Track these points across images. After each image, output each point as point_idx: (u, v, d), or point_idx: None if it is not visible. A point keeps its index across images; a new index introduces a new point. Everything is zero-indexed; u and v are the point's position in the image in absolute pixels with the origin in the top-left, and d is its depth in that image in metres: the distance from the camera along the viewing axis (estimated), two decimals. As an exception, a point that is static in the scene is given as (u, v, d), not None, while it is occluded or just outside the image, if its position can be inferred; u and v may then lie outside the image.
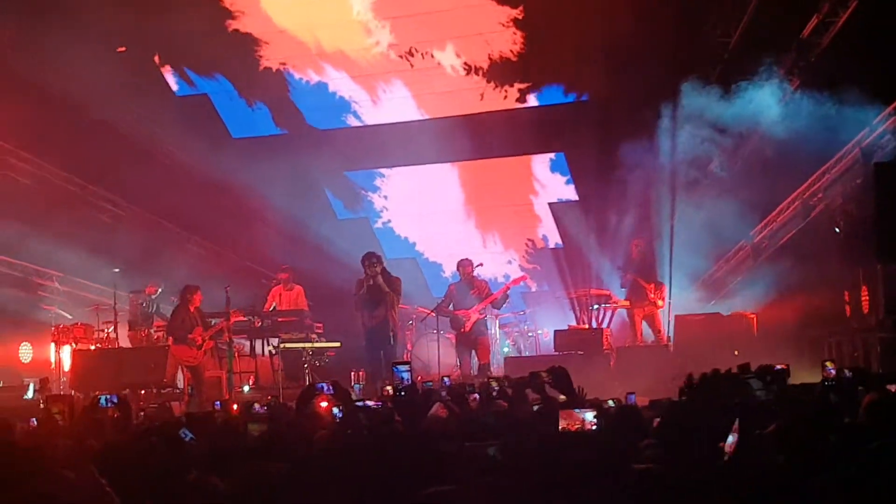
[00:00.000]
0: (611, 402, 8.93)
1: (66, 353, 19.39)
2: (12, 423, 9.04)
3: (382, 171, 22.93)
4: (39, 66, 19.57)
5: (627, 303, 18.63)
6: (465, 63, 20.33)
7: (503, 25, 19.59)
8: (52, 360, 19.72)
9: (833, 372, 10.28)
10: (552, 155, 21.60)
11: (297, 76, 21.10)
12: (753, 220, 19.65)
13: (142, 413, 12.23)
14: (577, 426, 6.27)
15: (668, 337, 18.36)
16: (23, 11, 18.98)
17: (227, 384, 17.54)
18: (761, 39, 17.68)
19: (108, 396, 9.27)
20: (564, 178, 21.65)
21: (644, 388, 12.09)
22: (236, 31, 20.25)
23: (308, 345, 18.01)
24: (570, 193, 21.75)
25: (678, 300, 19.19)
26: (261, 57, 20.75)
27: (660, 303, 18.38)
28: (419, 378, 15.16)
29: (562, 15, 18.79)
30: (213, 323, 17.90)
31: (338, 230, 22.35)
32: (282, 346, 17.95)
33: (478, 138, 20.82)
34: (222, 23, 20.14)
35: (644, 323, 18.66)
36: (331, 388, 8.45)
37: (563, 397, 8.00)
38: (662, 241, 19.60)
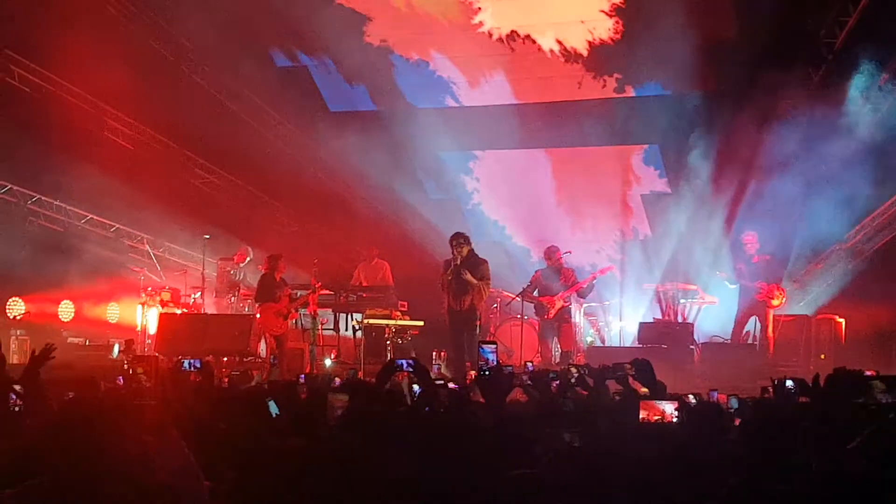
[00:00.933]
0: (692, 398, 8.84)
1: (153, 315, 19.66)
2: (97, 382, 9.19)
3: (476, 153, 22.89)
4: (144, 30, 19.88)
5: (715, 298, 18.37)
6: (564, 49, 20.19)
7: (605, 14, 19.44)
8: (139, 321, 20.01)
9: (920, 382, 10.04)
10: (646, 146, 21.41)
11: (397, 53, 21.08)
12: (849, 221, 19.32)
13: (225, 379, 12.33)
14: (657, 417, 6.22)
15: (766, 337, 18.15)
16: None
17: (309, 357, 17.66)
18: (867, 41, 17.37)
19: (192, 361, 9.38)
20: (657, 171, 21.46)
21: (728, 386, 11.95)
22: (341, 5, 20.26)
23: (391, 322, 18.03)
24: (662, 186, 21.55)
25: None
26: (363, 33, 20.76)
27: (774, 302, 17.93)
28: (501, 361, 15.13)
29: (662, 6, 18.58)
30: (298, 295, 18.04)
31: (428, 210, 22.32)
32: (365, 321, 18.01)
33: (573, 126, 20.69)
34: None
35: (754, 320, 18.29)
36: (410, 364, 8.45)
37: (644, 390, 7.93)
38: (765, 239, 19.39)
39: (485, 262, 16.43)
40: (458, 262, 16.08)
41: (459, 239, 16.23)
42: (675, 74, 19.62)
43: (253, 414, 6.92)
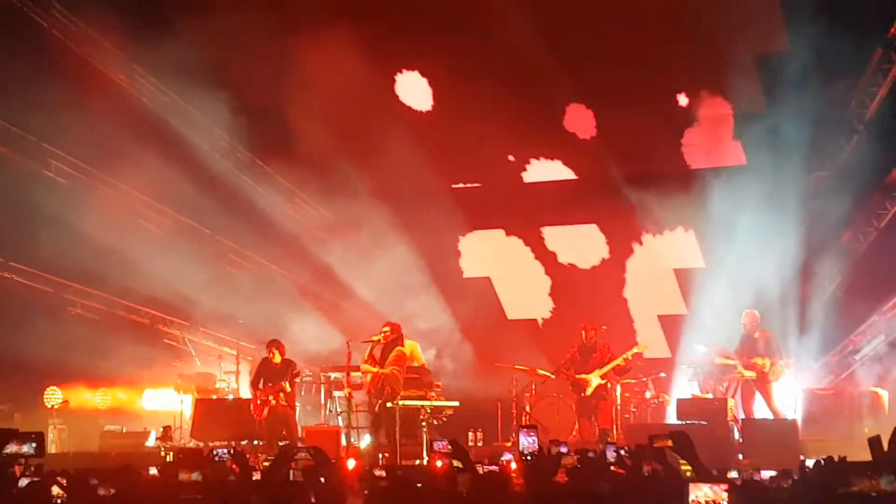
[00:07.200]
0: (734, 474, 8.73)
1: (188, 401, 19.64)
2: (137, 470, 9.14)
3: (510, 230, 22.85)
4: (176, 118, 20.13)
5: (753, 373, 18.17)
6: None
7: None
8: (175, 408, 20.00)
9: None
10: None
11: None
12: (886, 293, 19.20)
13: (259, 468, 12.21)
14: (708, 501, 6.10)
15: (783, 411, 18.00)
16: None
17: (343, 438, 17.57)
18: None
19: (224, 450, 9.34)
20: (691, 245, 21.34)
21: (770, 463, 11.83)
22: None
23: (426, 403, 17.92)
24: (696, 261, 21.40)
25: (806, 373, 18.82)
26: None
27: (771, 377, 17.86)
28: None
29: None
30: (332, 377, 18.15)
31: (462, 288, 22.35)
32: (400, 403, 17.91)
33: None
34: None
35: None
36: (448, 445, 8.44)
37: (686, 467, 7.81)
38: (787, 310, 19.24)
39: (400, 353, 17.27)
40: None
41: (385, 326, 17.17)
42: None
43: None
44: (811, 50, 17.10)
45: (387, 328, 17.13)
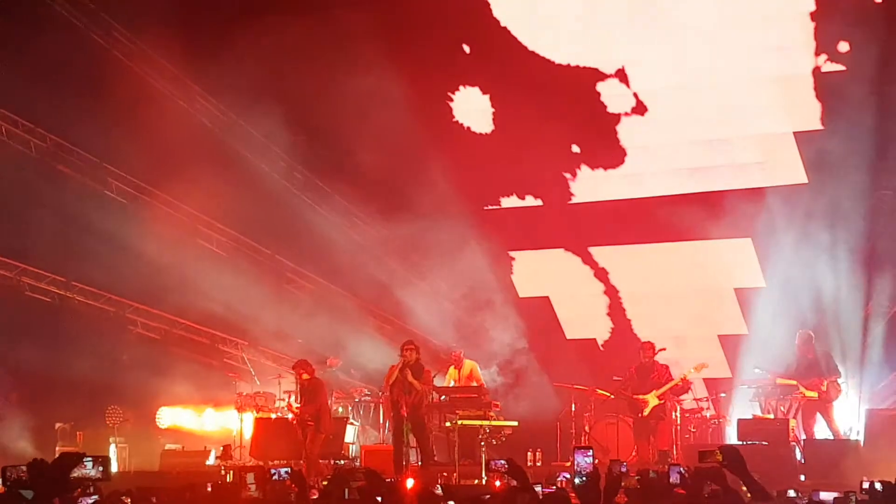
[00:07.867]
0: (791, 493, 8.63)
1: (249, 420, 19.70)
2: (198, 487, 9.17)
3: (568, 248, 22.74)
4: (234, 137, 20.30)
5: (815, 394, 17.96)
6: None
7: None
8: (235, 427, 20.07)
9: None
10: (739, 240, 21.10)
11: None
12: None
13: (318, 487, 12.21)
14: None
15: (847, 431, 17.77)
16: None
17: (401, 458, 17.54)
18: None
19: (280, 469, 9.36)
20: (752, 264, 21.11)
21: (832, 484, 11.68)
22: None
23: (485, 423, 17.86)
24: (757, 280, 21.18)
25: (869, 393, 18.60)
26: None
27: (830, 397, 17.66)
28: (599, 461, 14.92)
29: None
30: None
31: (520, 308, 22.27)
32: (459, 422, 17.87)
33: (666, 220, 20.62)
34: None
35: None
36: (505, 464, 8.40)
37: (744, 488, 7.72)
38: (849, 330, 19.01)
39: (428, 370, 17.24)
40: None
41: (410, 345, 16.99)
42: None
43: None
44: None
45: (410, 347, 17.10)
